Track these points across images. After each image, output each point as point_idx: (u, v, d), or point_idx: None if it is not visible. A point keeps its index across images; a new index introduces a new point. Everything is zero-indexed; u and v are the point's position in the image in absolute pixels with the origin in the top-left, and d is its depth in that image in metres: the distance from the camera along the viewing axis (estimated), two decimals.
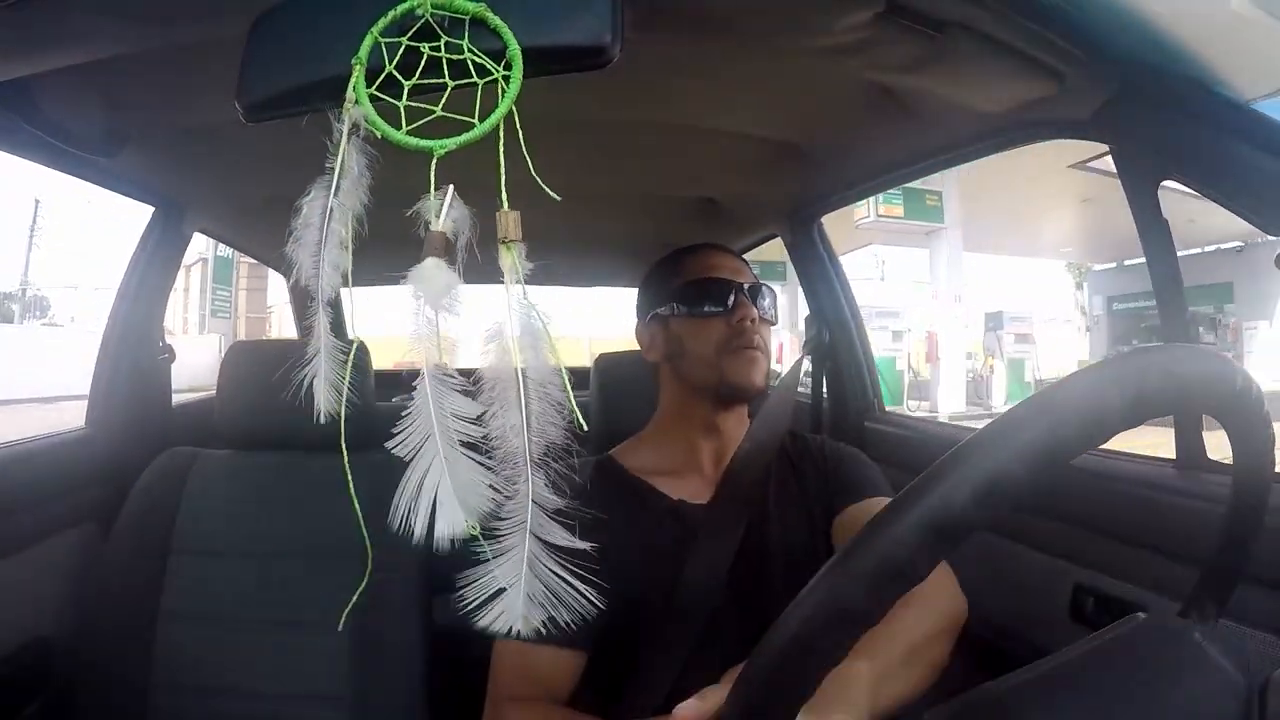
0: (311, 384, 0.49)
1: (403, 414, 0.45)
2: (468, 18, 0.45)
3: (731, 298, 0.82)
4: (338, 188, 0.45)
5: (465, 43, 0.45)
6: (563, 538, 0.45)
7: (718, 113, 1.00)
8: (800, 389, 1.30)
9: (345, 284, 0.46)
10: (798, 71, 0.85)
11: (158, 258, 1.29)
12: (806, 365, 1.40)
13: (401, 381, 0.47)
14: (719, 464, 0.85)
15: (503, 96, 0.44)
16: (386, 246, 0.46)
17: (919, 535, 0.33)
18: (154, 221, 1.28)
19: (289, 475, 1.06)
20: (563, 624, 0.44)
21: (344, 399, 0.49)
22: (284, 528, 1.02)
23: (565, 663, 0.74)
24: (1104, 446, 0.38)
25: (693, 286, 0.83)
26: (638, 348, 0.90)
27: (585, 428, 0.44)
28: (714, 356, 0.81)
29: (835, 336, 1.48)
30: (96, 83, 0.82)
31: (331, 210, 0.45)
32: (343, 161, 0.45)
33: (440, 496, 0.44)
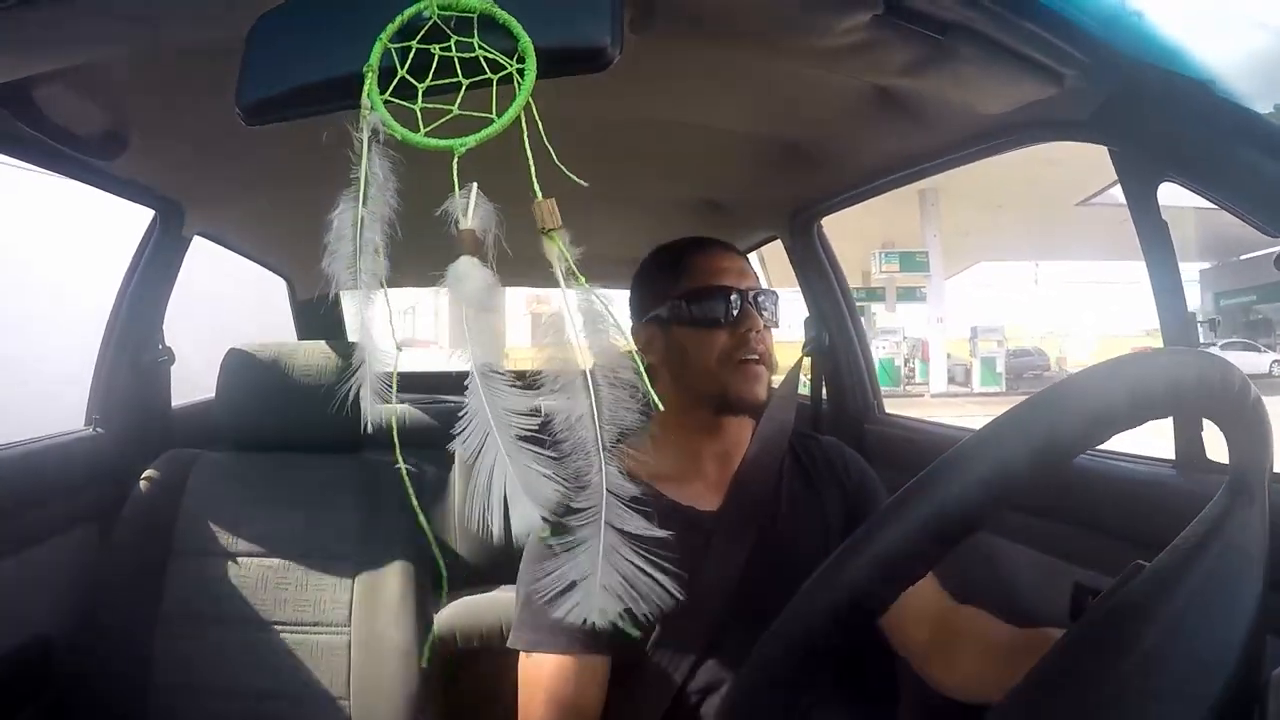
0: (358, 393, 0.48)
1: (459, 414, 0.44)
2: (475, 16, 0.45)
3: (736, 307, 0.79)
4: (365, 196, 0.45)
5: (475, 40, 0.45)
6: (640, 526, 0.44)
7: (718, 113, 1.00)
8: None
9: (382, 288, 0.46)
10: (797, 73, 0.84)
11: (157, 261, 1.29)
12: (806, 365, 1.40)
13: (413, 382, 0.46)
14: (724, 467, 0.84)
15: (519, 89, 0.43)
16: (417, 250, 0.45)
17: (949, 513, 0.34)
18: (153, 225, 1.28)
19: (288, 476, 1.06)
20: (641, 617, 0.43)
21: (359, 405, 0.48)
22: (284, 528, 1.02)
23: (600, 669, 0.73)
24: (1103, 446, 0.39)
25: (696, 294, 0.79)
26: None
27: (662, 408, 0.43)
28: (716, 368, 0.78)
29: (835, 338, 1.48)
30: (96, 86, 0.82)
31: (362, 219, 0.45)
32: (367, 169, 0.45)
33: (510, 493, 0.43)
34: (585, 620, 0.44)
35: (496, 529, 0.43)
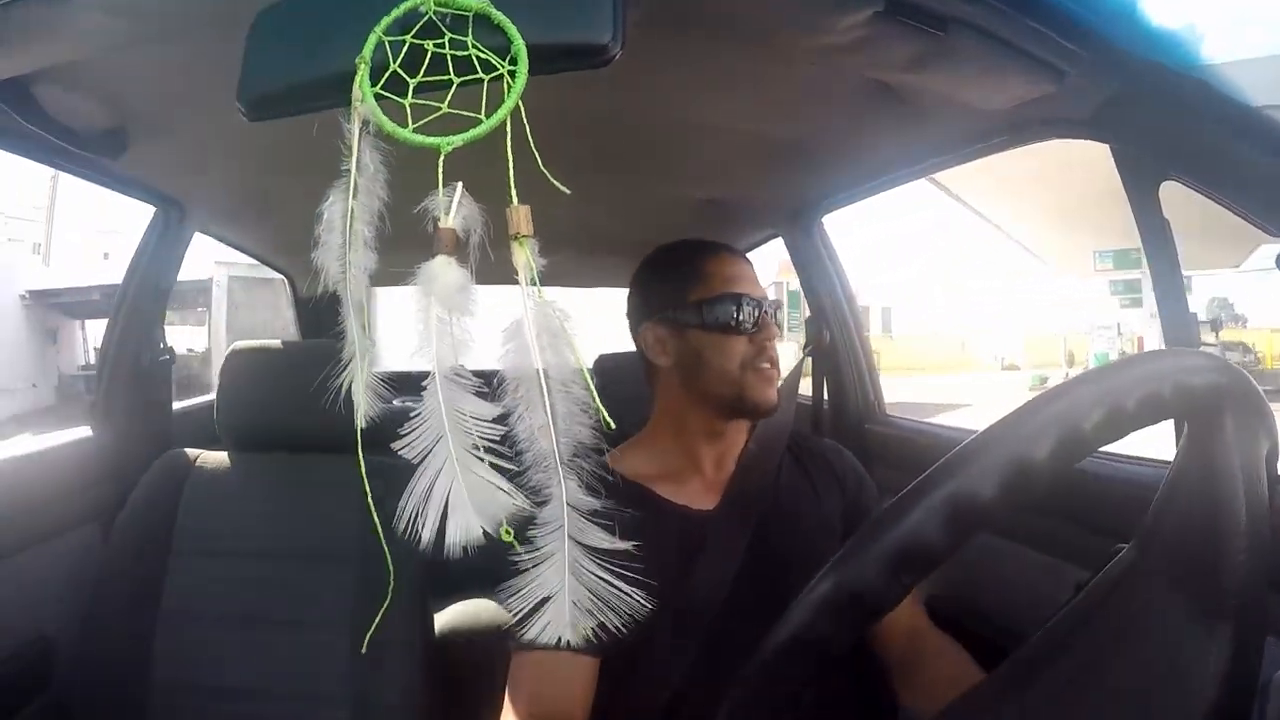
0: (349, 388, 0.47)
1: (411, 414, 0.43)
2: (471, 14, 0.45)
3: (757, 316, 0.80)
4: (356, 188, 0.44)
5: (470, 39, 0.44)
6: (602, 539, 0.43)
7: (718, 112, 1.00)
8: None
9: (376, 284, 0.45)
10: (798, 70, 0.84)
11: (159, 258, 1.29)
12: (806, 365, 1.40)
13: (411, 382, 0.46)
14: (721, 468, 0.84)
15: (508, 92, 0.43)
16: (399, 248, 0.45)
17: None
18: (154, 222, 1.28)
19: (288, 476, 1.06)
20: (614, 629, 0.42)
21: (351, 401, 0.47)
22: (284, 528, 1.02)
23: (587, 670, 0.73)
24: (1102, 448, 0.39)
25: (717, 301, 0.80)
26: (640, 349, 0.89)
27: (613, 426, 0.43)
28: (737, 374, 0.80)
29: (836, 337, 1.47)
30: (97, 81, 0.82)
31: (353, 211, 0.44)
32: (358, 160, 0.44)
33: (453, 500, 0.42)
34: (560, 640, 0.43)
35: (426, 536, 0.42)
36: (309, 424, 1.04)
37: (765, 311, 0.81)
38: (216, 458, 1.08)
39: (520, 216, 0.43)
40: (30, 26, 0.62)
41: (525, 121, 0.43)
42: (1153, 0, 0.58)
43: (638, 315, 0.87)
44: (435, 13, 0.45)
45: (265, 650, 0.97)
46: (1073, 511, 0.89)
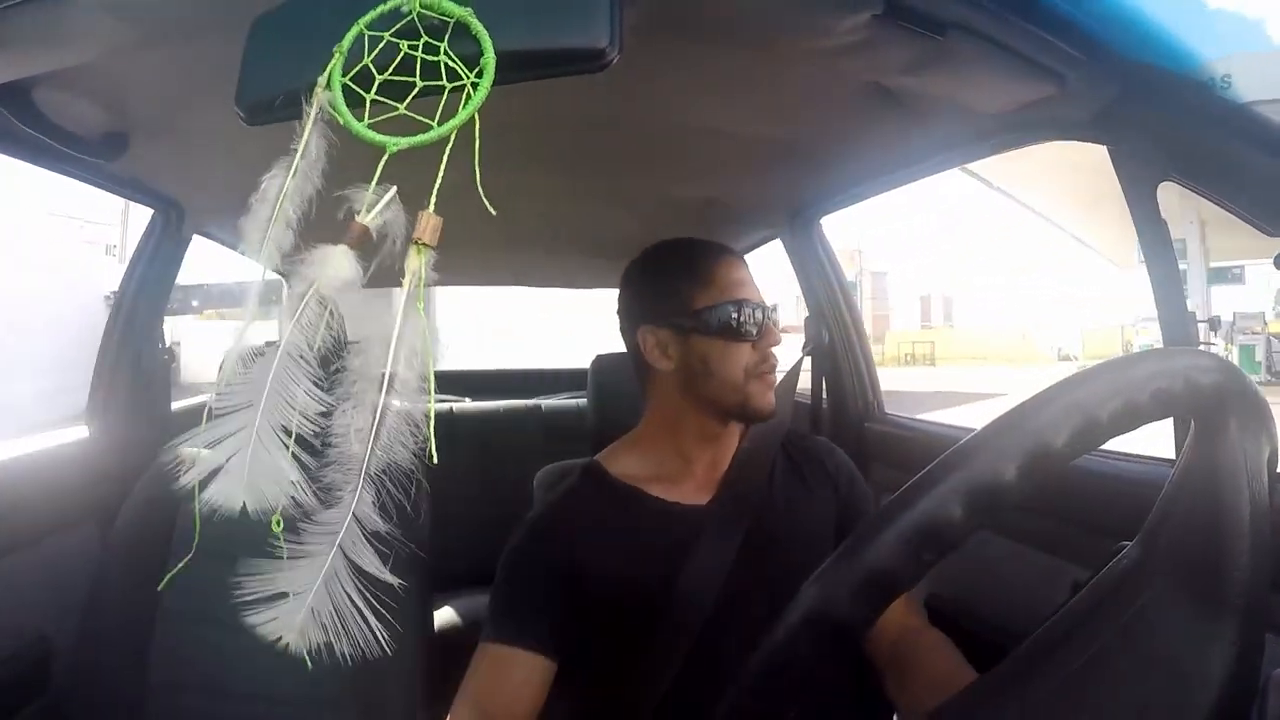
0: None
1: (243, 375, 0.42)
2: (452, 21, 0.44)
3: (762, 323, 0.80)
4: (296, 170, 0.44)
5: (443, 44, 0.44)
6: (373, 564, 0.41)
7: (718, 113, 1.00)
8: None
9: (280, 263, 0.45)
10: (797, 72, 0.84)
11: (158, 260, 1.29)
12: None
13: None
14: (714, 470, 0.84)
15: (464, 103, 0.43)
16: (332, 237, 0.45)
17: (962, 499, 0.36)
18: (153, 224, 1.28)
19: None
20: (339, 656, 0.40)
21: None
22: (283, 527, 1.01)
23: (540, 671, 0.74)
24: (1103, 447, 0.39)
25: (724, 308, 0.79)
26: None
27: (435, 461, 0.40)
28: (741, 381, 0.79)
29: (835, 337, 1.48)
30: (96, 85, 0.82)
31: (286, 190, 0.44)
32: (306, 143, 0.44)
33: (230, 465, 0.41)
34: (282, 640, 0.41)
35: (184, 481, 0.42)
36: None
37: (768, 317, 0.81)
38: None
39: (429, 224, 0.42)
40: (30, 31, 0.62)
41: (478, 135, 0.42)
42: (1152, 2, 0.58)
43: (633, 317, 0.85)
44: (418, 14, 0.45)
45: (264, 650, 0.96)
46: (1072, 511, 0.89)
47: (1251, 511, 0.39)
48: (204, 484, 0.41)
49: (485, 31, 0.44)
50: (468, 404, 2.00)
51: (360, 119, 0.44)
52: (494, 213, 0.41)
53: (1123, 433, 0.38)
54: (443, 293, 4.99)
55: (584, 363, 1.20)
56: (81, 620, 1.00)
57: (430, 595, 1.01)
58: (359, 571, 0.41)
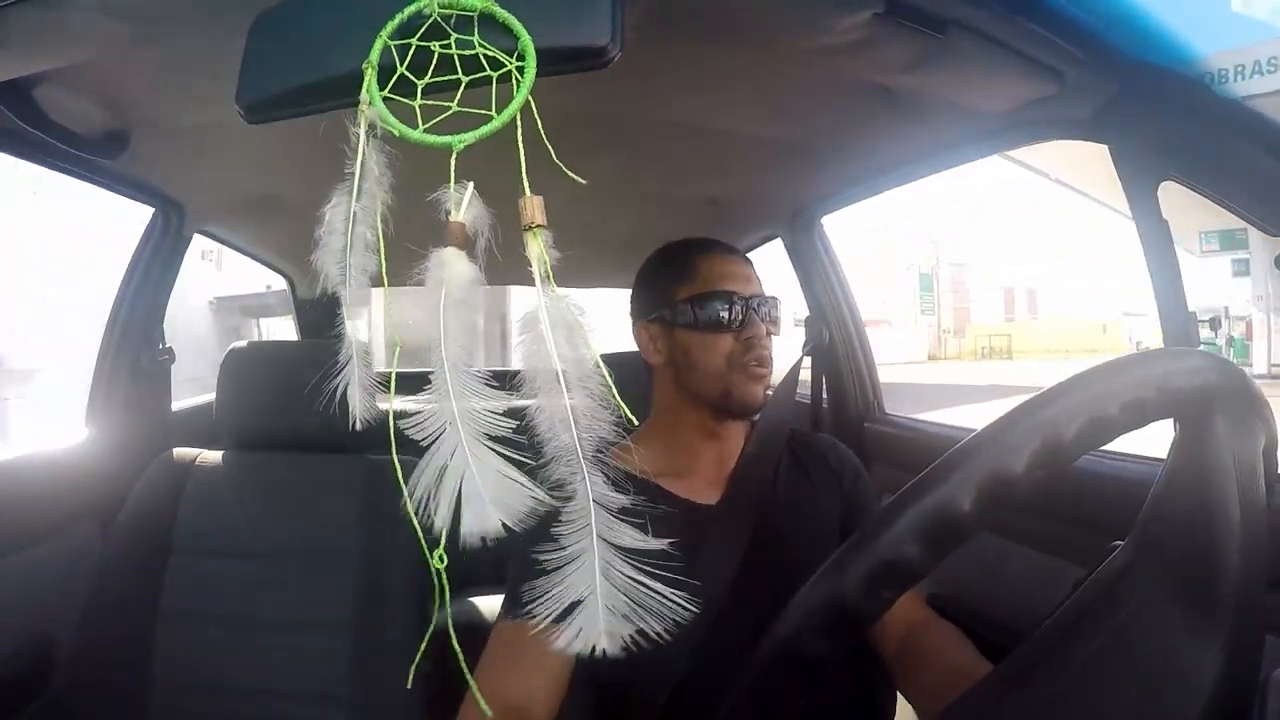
0: (345, 390, 0.46)
1: (422, 397, 0.41)
2: (475, 14, 0.44)
3: (741, 313, 0.80)
4: (359, 191, 0.44)
5: (475, 38, 0.44)
6: (633, 539, 0.41)
7: (718, 113, 1.00)
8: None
9: (377, 286, 0.44)
10: (798, 71, 0.84)
11: (158, 259, 1.29)
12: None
13: (413, 382, 0.44)
14: (721, 466, 0.84)
15: (518, 87, 0.43)
16: (409, 250, 0.44)
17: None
18: (154, 223, 1.28)
19: (288, 476, 1.06)
20: (655, 636, 0.40)
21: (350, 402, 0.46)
22: (284, 528, 1.02)
23: (558, 659, 0.72)
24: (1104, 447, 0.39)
25: (703, 299, 0.80)
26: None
27: (635, 422, 0.41)
28: (723, 371, 0.79)
29: (835, 337, 1.48)
30: (97, 83, 0.82)
31: (355, 214, 0.44)
32: (362, 164, 0.44)
33: (466, 490, 0.40)
34: (595, 649, 0.40)
35: (439, 522, 0.40)
36: (308, 424, 1.05)
37: (755, 309, 0.80)
38: (216, 457, 1.08)
39: (533, 207, 0.42)
40: (30, 30, 0.62)
41: (537, 116, 0.42)
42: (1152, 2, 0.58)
43: (632, 314, 0.88)
44: (440, 14, 0.45)
45: (265, 650, 0.97)
46: (1073, 510, 0.89)
47: (1242, 510, 0.38)
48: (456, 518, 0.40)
49: (513, 17, 0.44)
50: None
51: (404, 125, 0.44)
52: (583, 182, 0.41)
53: (1133, 429, 0.38)
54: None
55: None
56: (82, 619, 1.00)
57: (430, 595, 1.01)
58: (627, 552, 0.41)
